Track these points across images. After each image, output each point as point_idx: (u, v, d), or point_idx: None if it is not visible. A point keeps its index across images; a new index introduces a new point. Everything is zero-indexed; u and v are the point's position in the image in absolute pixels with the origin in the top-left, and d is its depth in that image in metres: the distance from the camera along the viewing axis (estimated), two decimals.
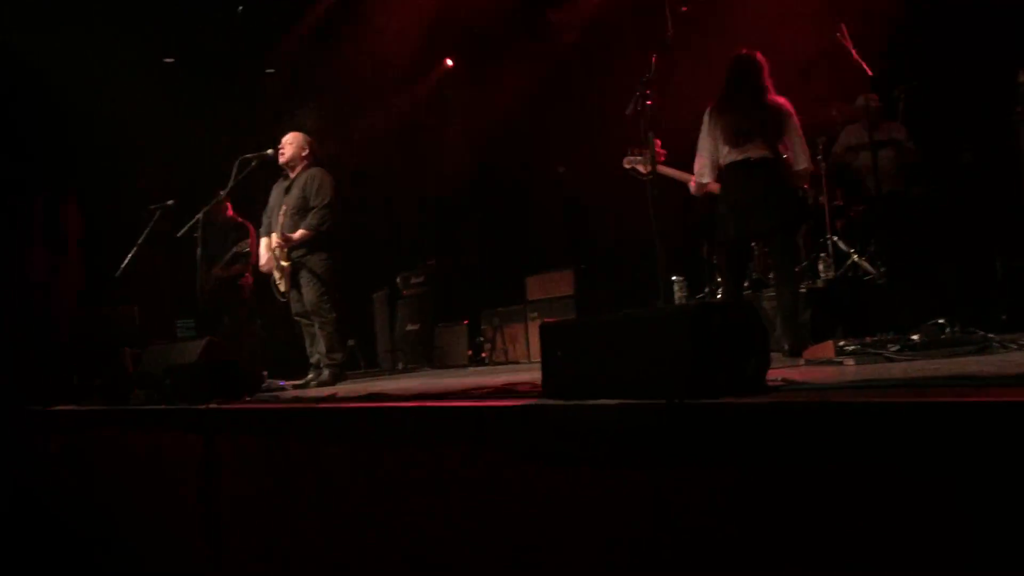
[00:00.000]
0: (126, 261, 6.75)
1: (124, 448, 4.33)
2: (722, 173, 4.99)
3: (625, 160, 5.59)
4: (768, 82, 4.92)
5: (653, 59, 4.45)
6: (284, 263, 6.20)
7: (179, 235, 6.66)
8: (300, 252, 6.22)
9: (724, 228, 5.01)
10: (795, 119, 4.91)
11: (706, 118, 5.02)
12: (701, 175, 5.05)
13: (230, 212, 7.70)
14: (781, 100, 4.93)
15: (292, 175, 6.39)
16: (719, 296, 6.86)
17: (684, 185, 5.36)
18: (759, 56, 4.95)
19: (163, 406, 4.26)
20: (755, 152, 4.85)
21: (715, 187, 5.09)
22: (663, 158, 5.31)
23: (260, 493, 3.38)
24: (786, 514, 1.71)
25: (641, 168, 5.32)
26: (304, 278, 6.22)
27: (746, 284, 6.62)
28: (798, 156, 4.92)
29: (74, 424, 4.77)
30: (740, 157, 4.87)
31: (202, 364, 4.25)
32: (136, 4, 8.90)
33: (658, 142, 5.22)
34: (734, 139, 4.87)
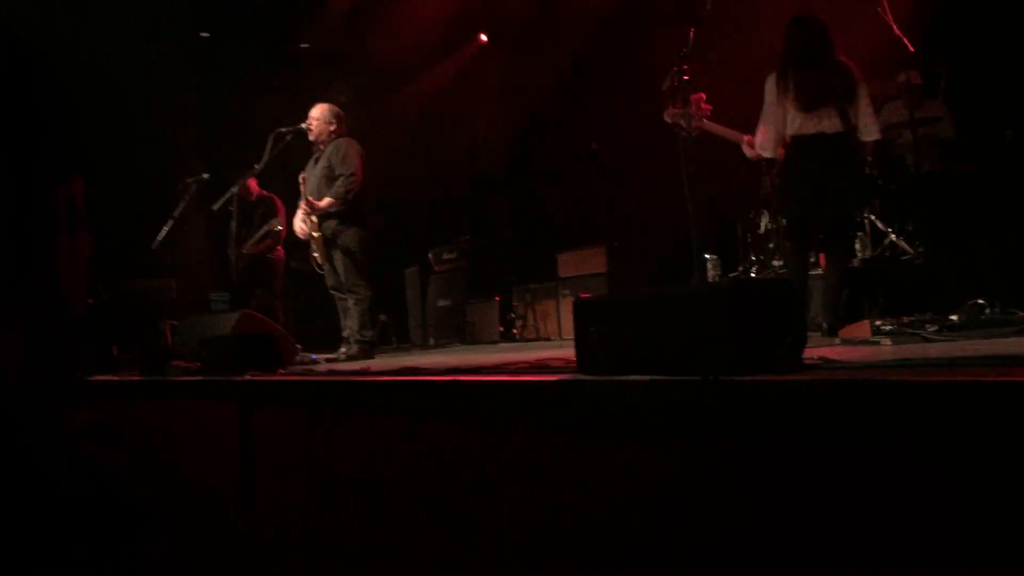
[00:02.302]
0: (162, 233, 6.82)
1: (161, 418, 4.39)
2: (794, 143, 4.77)
3: (666, 113, 5.34)
4: (835, 45, 4.73)
5: (691, 33, 4.39)
6: (316, 234, 6.24)
7: (215, 209, 6.72)
8: (331, 225, 6.24)
9: (790, 203, 4.87)
10: (866, 86, 4.71)
11: (771, 86, 4.80)
12: (765, 148, 4.85)
13: (255, 188, 7.75)
14: (851, 63, 4.73)
15: (322, 147, 6.41)
16: (754, 275, 6.82)
17: (719, 160, 5.26)
18: (820, 19, 4.75)
19: (199, 377, 4.31)
20: (830, 124, 4.64)
21: (779, 152, 4.92)
22: (708, 113, 5.15)
23: (294, 464, 3.42)
24: (821, 493, 1.70)
25: (684, 123, 5.12)
26: (337, 254, 6.26)
27: (779, 262, 6.57)
28: (869, 126, 4.73)
29: (112, 394, 4.84)
30: (815, 131, 4.66)
31: (237, 336, 4.30)
32: None
33: (703, 96, 5.06)
34: (808, 105, 4.65)
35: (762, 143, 4.86)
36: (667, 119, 5.36)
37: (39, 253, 0.80)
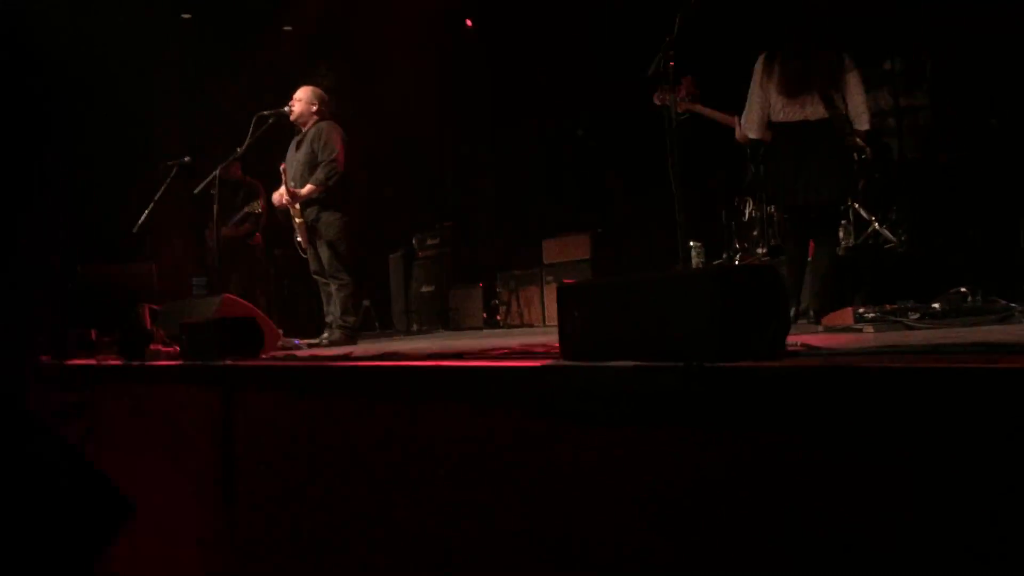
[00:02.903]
0: (143, 217, 6.77)
1: (140, 403, 4.36)
2: (776, 131, 4.78)
3: (656, 96, 5.33)
4: (830, 33, 4.72)
5: (677, 20, 4.37)
6: (298, 220, 6.19)
7: (196, 192, 6.67)
8: (313, 211, 6.20)
9: (776, 193, 4.88)
10: (858, 74, 4.70)
11: (758, 67, 4.81)
12: (749, 128, 4.85)
13: (239, 172, 7.69)
14: (843, 53, 4.71)
15: (304, 130, 6.36)
16: (736, 262, 6.83)
17: (704, 147, 5.26)
18: (821, 6, 4.78)
19: (180, 362, 4.28)
20: (813, 111, 4.65)
21: (766, 137, 4.89)
22: (697, 95, 5.14)
23: (276, 450, 3.40)
24: (803, 480, 1.70)
25: (672, 106, 5.08)
26: (320, 240, 6.22)
27: (763, 250, 6.58)
28: (859, 116, 4.72)
29: (89, 378, 4.80)
30: (798, 118, 4.67)
31: (219, 320, 4.26)
32: None
33: (691, 79, 5.06)
34: (790, 91, 4.66)
35: (747, 123, 4.88)
36: (656, 101, 5.34)
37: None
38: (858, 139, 5.02)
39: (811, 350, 2.23)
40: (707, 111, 5.32)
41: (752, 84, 4.84)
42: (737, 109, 5.11)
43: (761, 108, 4.78)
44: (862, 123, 4.76)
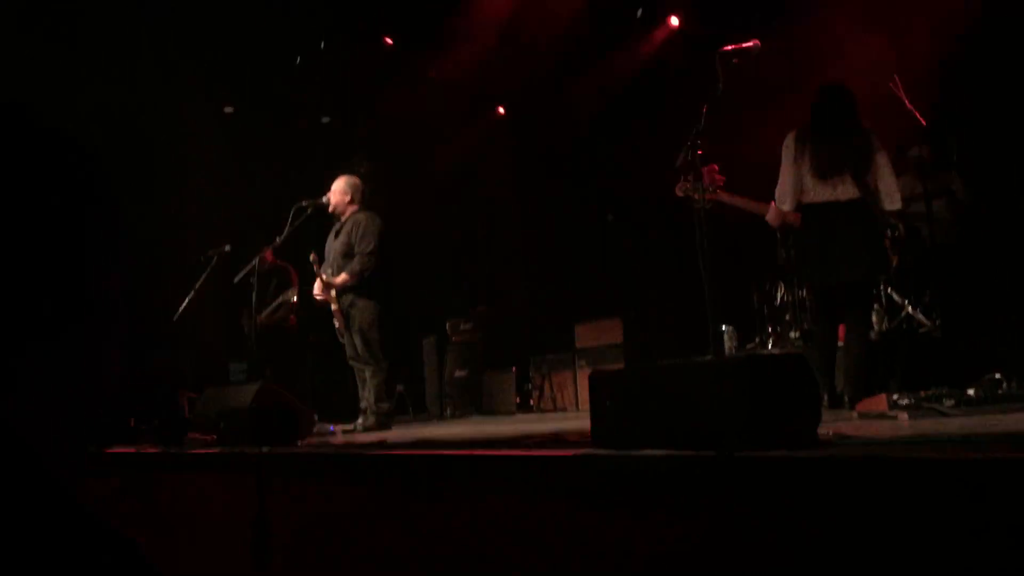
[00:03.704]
0: (183, 305, 6.90)
1: (178, 490, 4.40)
2: (807, 211, 4.81)
3: (678, 187, 5.37)
4: (860, 114, 4.78)
5: (704, 109, 4.47)
6: (334, 306, 6.28)
7: (236, 281, 6.80)
8: (347, 299, 6.29)
9: (806, 271, 4.88)
10: (886, 154, 4.74)
11: (791, 143, 4.85)
12: (783, 201, 4.87)
13: (270, 258, 7.81)
14: (872, 132, 4.77)
15: (343, 219, 6.50)
16: (769, 346, 6.81)
17: (735, 231, 5.28)
18: (848, 87, 4.81)
19: (217, 450, 4.32)
20: (844, 192, 4.68)
21: (795, 217, 4.92)
22: (722, 183, 5.17)
23: (310, 536, 3.41)
24: (835, 569, 1.69)
25: (698, 197, 5.12)
26: (353, 327, 6.29)
27: (797, 334, 6.56)
28: (891, 195, 4.74)
29: (130, 466, 4.85)
30: (829, 198, 4.71)
31: (255, 408, 4.32)
32: (198, 55, 9.19)
33: (715, 167, 5.08)
34: (823, 172, 4.71)
35: (780, 196, 4.89)
36: (679, 193, 5.37)
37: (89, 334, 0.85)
38: (890, 218, 5.03)
39: (843, 439, 2.24)
40: (732, 199, 5.36)
41: (784, 160, 4.87)
42: (761, 195, 5.15)
43: (794, 182, 4.83)
44: (894, 203, 4.78)
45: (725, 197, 5.28)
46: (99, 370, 0.89)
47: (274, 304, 7.71)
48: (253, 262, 6.64)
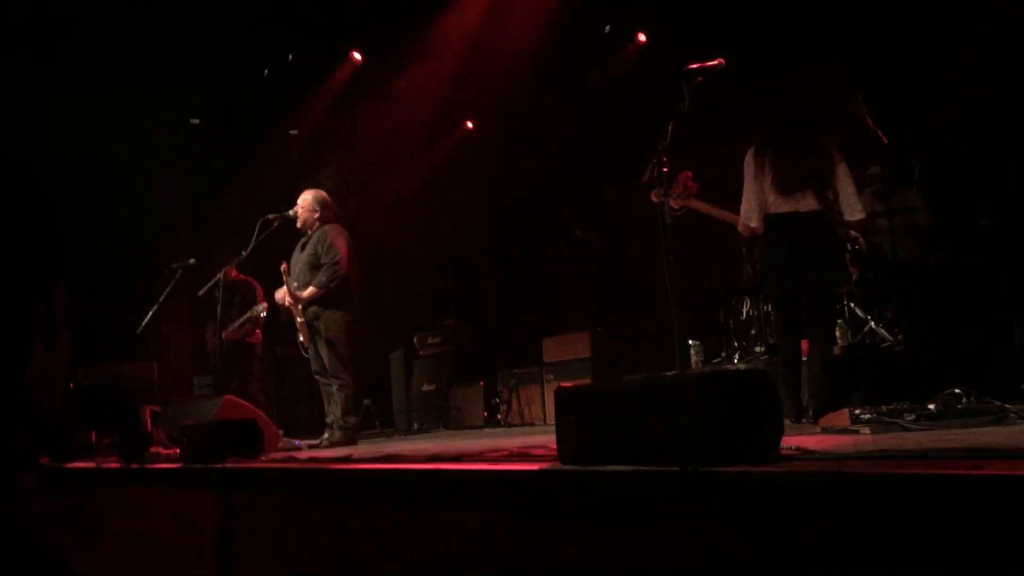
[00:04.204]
0: (147, 319, 6.83)
1: (139, 506, 4.34)
2: (769, 221, 4.85)
3: (653, 193, 5.38)
4: (819, 127, 4.83)
5: (669, 127, 4.50)
6: (300, 319, 6.24)
7: (200, 294, 6.75)
8: (314, 311, 6.25)
9: (768, 282, 4.91)
10: (846, 166, 4.78)
11: (750, 159, 4.90)
12: (749, 218, 4.90)
13: (234, 273, 7.75)
14: (830, 144, 4.82)
15: (309, 233, 6.46)
16: (735, 361, 6.86)
17: (702, 246, 5.31)
18: (807, 100, 4.89)
19: (180, 465, 4.28)
20: (805, 204, 4.72)
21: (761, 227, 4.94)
22: (696, 190, 5.20)
23: (275, 552, 3.38)
24: None
25: (673, 203, 5.12)
26: (320, 340, 6.25)
27: (762, 349, 6.62)
28: (851, 206, 4.78)
29: (90, 481, 4.79)
30: (789, 209, 4.75)
31: (219, 423, 4.28)
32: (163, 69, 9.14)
33: (689, 174, 5.11)
34: (784, 187, 4.75)
35: (746, 214, 4.92)
36: (654, 199, 5.36)
37: (11, 361, 0.85)
38: (851, 231, 5.08)
39: (805, 453, 2.25)
40: (704, 207, 5.39)
41: (746, 177, 4.91)
42: (732, 204, 5.19)
43: (757, 198, 4.86)
44: (855, 212, 4.82)
45: (697, 205, 5.32)
46: (38, 387, 0.89)
47: (241, 320, 7.65)
48: (218, 276, 6.60)
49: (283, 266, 6.32)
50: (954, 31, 6.55)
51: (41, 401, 0.89)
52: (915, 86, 6.66)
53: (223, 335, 7.37)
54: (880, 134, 5.88)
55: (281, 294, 6.37)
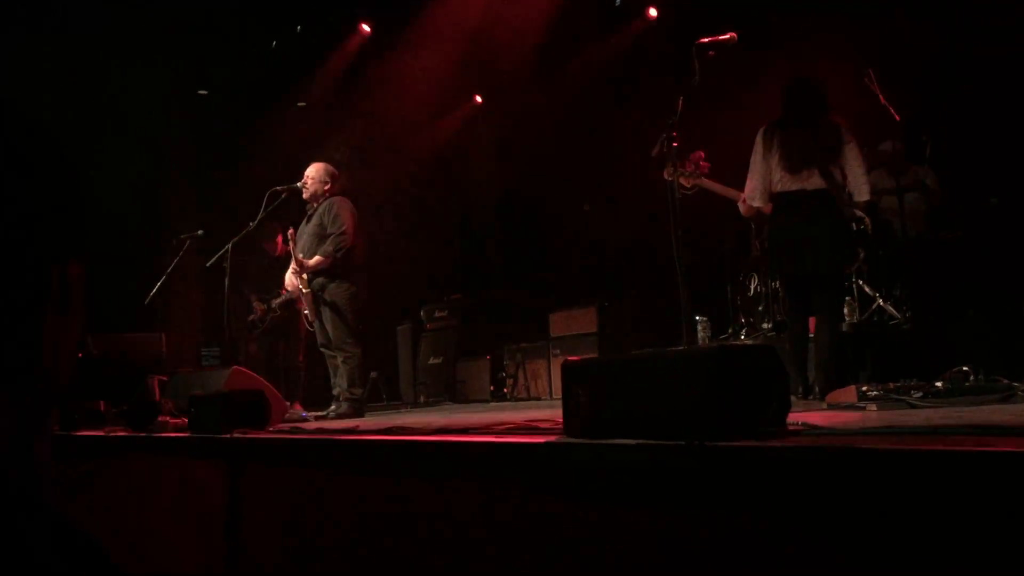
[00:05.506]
0: (155, 289, 6.85)
1: (147, 475, 4.37)
2: (775, 202, 4.84)
3: (666, 171, 5.38)
4: (828, 106, 4.79)
5: (679, 101, 4.47)
6: (305, 290, 6.24)
7: (208, 265, 6.75)
8: (320, 282, 6.25)
9: (775, 262, 4.90)
10: (856, 145, 4.75)
11: (760, 139, 4.89)
12: (752, 198, 4.91)
13: (282, 244, 7.73)
14: (842, 123, 4.79)
15: (315, 206, 6.46)
16: (743, 337, 6.85)
17: (709, 222, 5.30)
18: (819, 79, 4.84)
19: (188, 434, 4.30)
20: (812, 182, 4.71)
21: (768, 208, 4.95)
22: (707, 170, 5.19)
23: (281, 522, 3.41)
24: (803, 559, 1.71)
25: (684, 181, 5.10)
26: (326, 311, 6.26)
27: (769, 325, 6.61)
28: (859, 187, 4.77)
29: (98, 449, 4.82)
30: (796, 187, 4.73)
31: (227, 393, 4.29)
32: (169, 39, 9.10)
33: (702, 153, 5.11)
34: (791, 165, 4.73)
35: (750, 193, 4.93)
36: (666, 176, 5.36)
37: (25, 330, 0.85)
38: (857, 210, 5.07)
39: (812, 429, 2.25)
40: (715, 186, 5.38)
41: (753, 156, 4.91)
42: (742, 182, 5.18)
43: (763, 179, 4.85)
44: (862, 194, 4.81)
45: (709, 184, 5.32)
46: (51, 357, 0.90)
47: (287, 295, 7.58)
48: (227, 247, 6.60)
49: (290, 231, 6.32)
50: (967, 7, 6.48)
51: (55, 371, 0.90)
52: (928, 62, 6.60)
53: (274, 304, 7.50)
54: (892, 110, 5.83)
55: (291, 275, 6.38)
